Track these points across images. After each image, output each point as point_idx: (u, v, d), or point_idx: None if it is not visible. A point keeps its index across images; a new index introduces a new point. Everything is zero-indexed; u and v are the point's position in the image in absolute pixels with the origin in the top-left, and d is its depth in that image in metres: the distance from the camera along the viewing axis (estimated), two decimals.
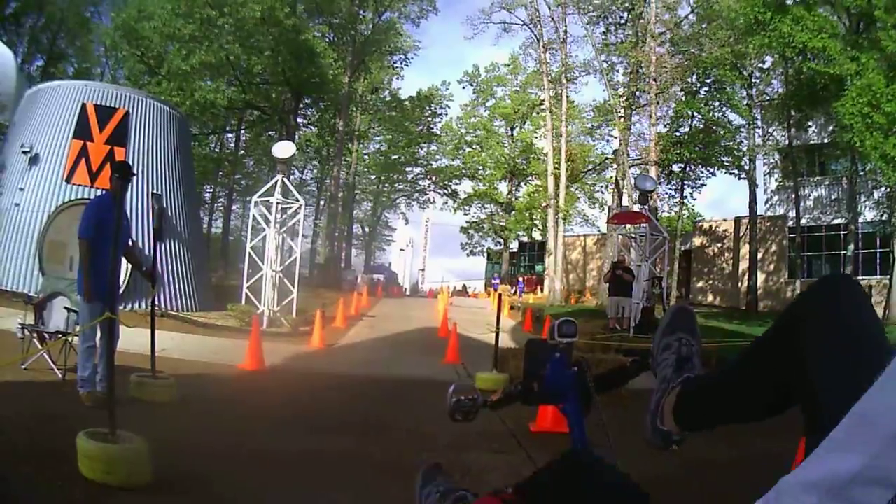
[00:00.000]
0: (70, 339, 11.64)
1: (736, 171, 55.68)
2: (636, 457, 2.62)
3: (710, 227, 62.70)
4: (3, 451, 7.35)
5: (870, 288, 31.86)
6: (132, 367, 11.89)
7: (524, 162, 78.82)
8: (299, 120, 62.94)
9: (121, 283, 21.94)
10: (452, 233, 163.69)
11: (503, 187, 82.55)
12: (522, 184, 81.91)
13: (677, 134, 57.10)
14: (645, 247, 30.38)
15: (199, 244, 32.27)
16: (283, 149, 29.39)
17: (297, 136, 57.97)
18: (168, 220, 25.89)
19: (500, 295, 22.20)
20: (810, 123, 47.00)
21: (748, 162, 54.12)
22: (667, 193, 60.47)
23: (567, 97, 60.09)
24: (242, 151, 71.77)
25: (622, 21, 55.53)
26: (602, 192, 74.31)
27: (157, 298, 24.37)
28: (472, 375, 16.79)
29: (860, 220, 44.77)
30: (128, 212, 24.70)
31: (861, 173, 42.90)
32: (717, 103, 53.88)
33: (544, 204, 63.45)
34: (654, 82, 50.76)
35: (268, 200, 28.30)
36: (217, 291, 31.97)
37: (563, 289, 59.17)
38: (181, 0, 45.63)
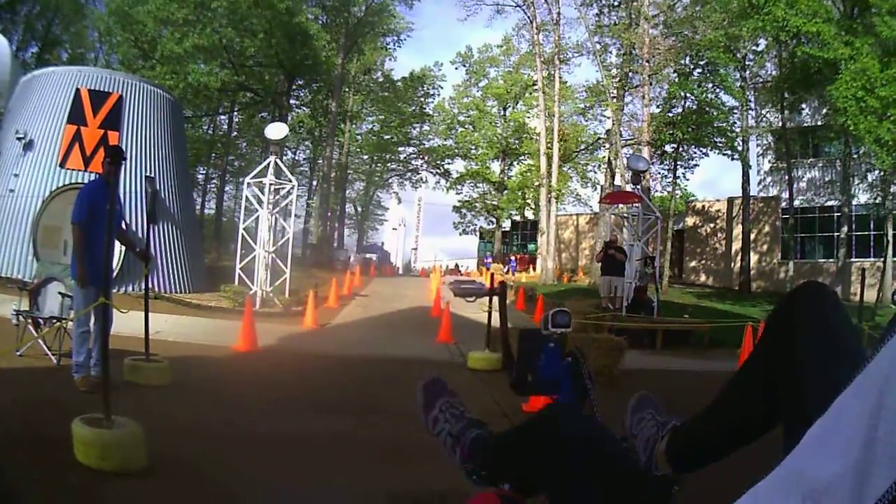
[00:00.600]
0: (65, 324, 11.66)
1: (729, 153, 55.58)
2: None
3: (703, 207, 62.75)
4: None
5: (863, 270, 32.04)
6: (126, 351, 11.85)
7: (516, 142, 78.79)
8: (292, 101, 62.97)
9: (114, 266, 22.12)
10: (445, 212, 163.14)
11: (495, 167, 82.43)
12: (515, 163, 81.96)
13: (670, 115, 56.56)
14: (637, 227, 30.31)
15: (192, 226, 32.37)
16: (276, 130, 29.44)
17: (289, 118, 58.14)
18: (161, 202, 25.96)
19: (492, 274, 22.23)
20: (804, 106, 47.00)
21: (741, 143, 53.87)
22: (659, 173, 60.39)
23: (560, 78, 59.96)
24: (235, 133, 71.59)
25: (615, 3, 55.51)
26: (594, 172, 74.20)
27: (150, 281, 24.49)
28: (465, 355, 16.89)
29: (853, 202, 44.77)
30: (121, 195, 24.95)
31: (854, 156, 42.93)
32: (711, 85, 53.46)
33: (537, 183, 63.38)
34: (647, 64, 50.67)
35: (260, 181, 28.35)
36: (210, 272, 32.00)
37: (556, 268, 59.19)
38: None
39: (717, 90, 52.97)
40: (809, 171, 52.92)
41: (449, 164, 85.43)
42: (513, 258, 72.54)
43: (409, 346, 19.93)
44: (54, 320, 12.02)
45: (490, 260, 72.79)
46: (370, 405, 11.54)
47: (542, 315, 2.58)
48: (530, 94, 74.45)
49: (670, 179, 58.84)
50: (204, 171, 72.49)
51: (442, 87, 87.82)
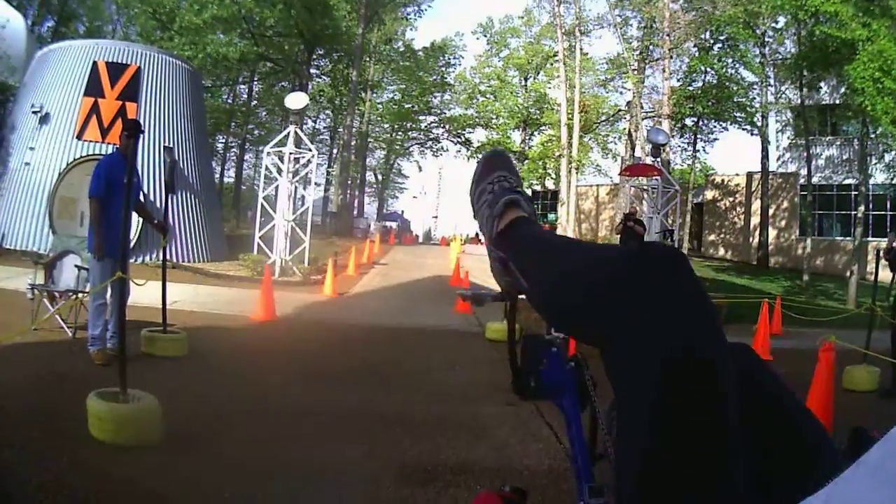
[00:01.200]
0: (81, 297, 11.69)
1: (748, 128, 55.76)
2: None
3: (723, 181, 62.49)
4: (12, 414, 7.38)
5: (878, 251, 32.20)
6: (143, 322, 11.96)
7: (537, 112, 77.94)
8: (312, 71, 63.36)
9: (131, 237, 22.22)
10: (466, 180, 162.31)
11: (516, 137, 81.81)
12: (536, 133, 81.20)
13: (690, 88, 57.10)
14: (657, 199, 30.41)
15: (211, 196, 32.46)
16: (296, 100, 29.42)
17: (309, 87, 58.35)
18: (180, 172, 26.32)
19: None
20: (822, 84, 46.72)
21: (761, 118, 54.28)
22: (679, 146, 60.40)
23: (581, 49, 59.99)
24: (255, 102, 71.67)
25: None
26: (615, 143, 73.93)
27: (168, 250, 24.65)
28: (483, 325, 16.91)
29: (871, 181, 44.58)
30: (140, 166, 25.14)
31: (872, 136, 42.71)
32: (730, 60, 54.02)
33: (557, 154, 63.37)
34: (667, 37, 50.76)
35: (280, 150, 28.41)
36: (229, 241, 32.24)
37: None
38: None
39: (737, 65, 53.42)
40: (827, 149, 52.74)
41: (470, 133, 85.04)
42: None
43: (428, 315, 20.08)
44: (70, 293, 12.07)
45: None
46: (387, 376, 11.63)
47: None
48: (551, 65, 74.02)
49: (690, 153, 58.92)
50: (224, 140, 72.59)
51: (463, 57, 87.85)
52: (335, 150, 74.38)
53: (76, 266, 12.17)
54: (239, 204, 67.44)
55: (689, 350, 1.33)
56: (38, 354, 10.32)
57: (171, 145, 25.20)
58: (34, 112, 25.92)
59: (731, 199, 61.51)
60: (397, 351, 14.33)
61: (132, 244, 23.39)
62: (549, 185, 77.68)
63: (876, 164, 44.71)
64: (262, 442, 7.49)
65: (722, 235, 61.85)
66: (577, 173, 59.39)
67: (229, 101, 67.56)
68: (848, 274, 39.36)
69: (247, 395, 9.43)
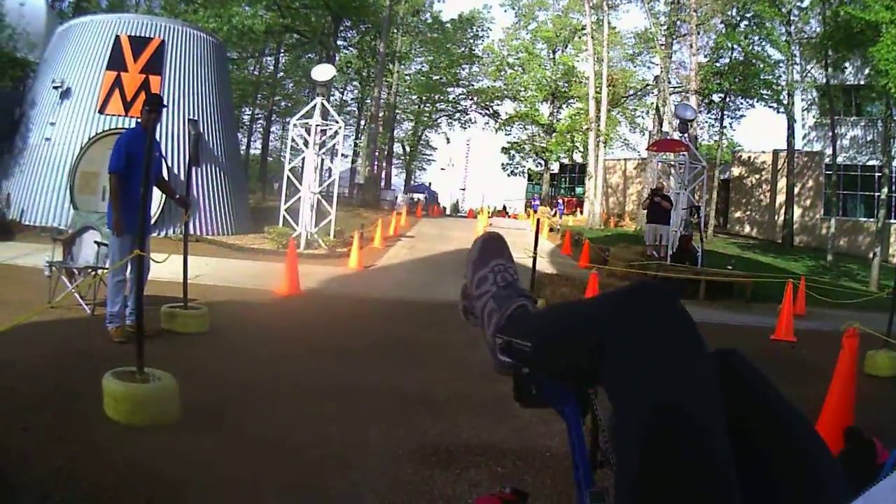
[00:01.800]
0: (100, 273, 11.62)
1: (775, 105, 55.72)
2: None
3: (749, 158, 62.57)
4: (26, 395, 7.24)
5: None
6: (165, 297, 11.86)
7: (565, 85, 78.59)
8: (339, 42, 63.21)
9: (154, 211, 22.23)
10: (493, 153, 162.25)
11: (544, 109, 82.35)
12: (564, 106, 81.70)
13: (717, 65, 57.49)
14: (684, 175, 30.19)
15: (236, 168, 32.62)
16: (323, 71, 29.38)
17: (336, 59, 58.22)
18: (205, 145, 26.60)
19: (538, 220, 22.01)
20: (847, 64, 46.44)
21: (787, 97, 54.04)
22: (707, 122, 60.31)
23: (609, 23, 60.01)
24: (282, 74, 71.78)
25: None
26: (643, 118, 74.70)
27: (193, 223, 24.80)
28: None
29: (894, 163, 44.23)
30: (164, 138, 25.25)
31: (886, 117, 42.41)
32: (757, 38, 53.94)
33: (585, 127, 63.50)
34: (694, 13, 50.65)
35: (307, 122, 28.35)
36: (255, 214, 32.31)
37: (603, 212, 59.49)
38: None
39: (764, 43, 53.52)
40: (852, 129, 52.71)
41: (498, 105, 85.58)
42: (560, 201, 71.71)
43: (453, 289, 19.20)
44: (90, 270, 12.00)
45: (538, 202, 72.79)
46: (410, 353, 11.50)
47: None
48: (579, 38, 74.22)
49: (717, 129, 58.90)
50: (250, 112, 72.98)
51: (491, 30, 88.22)
52: (363, 122, 74.95)
53: (96, 242, 12.07)
54: (265, 176, 67.63)
55: (674, 405, 1.39)
56: (54, 333, 10.20)
57: (196, 118, 25.67)
58: (55, 87, 26.05)
59: (757, 176, 61.65)
60: (421, 326, 14.18)
61: (154, 218, 23.50)
62: (577, 158, 78.40)
63: None
64: (282, 421, 7.36)
65: (748, 213, 62.01)
66: (604, 147, 59.54)
67: (255, 73, 67.81)
68: (871, 255, 39.23)
69: (268, 371, 9.32)
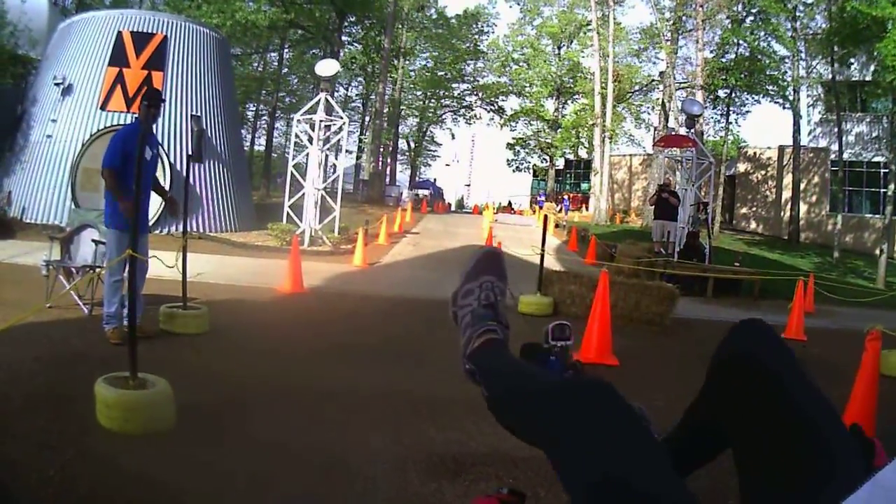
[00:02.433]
0: (98, 272, 11.32)
1: (780, 101, 56.21)
2: None
3: (755, 153, 62.44)
4: (18, 399, 7.00)
5: None
6: (165, 297, 11.62)
7: (571, 81, 78.44)
8: (343, 38, 63.26)
9: (156, 209, 22.15)
10: (498, 149, 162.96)
11: (550, 105, 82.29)
12: (569, 102, 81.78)
13: (723, 60, 57.52)
14: (691, 171, 30.03)
15: (240, 164, 32.54)
16: (326, 67, 29.33)
17: (341, 54, 58.33)
18: (207, 140, 26.64)
19: (545, 216, 21.84)
20: (852, 60, 46.39)
21: (793, 92, 54.10)
22: (712, 118, 60.34)
23: (614, 19, 59.91)
24: (286, 70, 71.82)
25: None
26: (648, 114, 74.78)
27: (195, 220, 24.76)
28: (516, 297, 16.46)
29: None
30: (167, 134, 25.22)
31: (892, 113, 42.32)
32: (763, 33, 53.92)
33: (591, 123, 63.65)
34: (700, 8, 50.77)
35: (310, 118, 28.22)
36: (259, 210, 32.31)
37: (609, 208, 59.54)
38: None
39: (769, 39, 53.67)
40: (857, 125, 52.79)
41: (503, 100, 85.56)
42: (566, 197, 72.89)
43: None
44: (88, 269, 11.75)
45: (543, 198, 73.14)
46: (415, 353, 11.20)
47: (543, 328, 2.40)
48: (584, 33, 74.25)
49: (723, 125, 59.13)
50: (254, 109, 72.81)
51: (496, 25, 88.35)
52: (367, 118, 74.52)
53: (93, 241, 11.85)
54: (269, 172, 67.47)
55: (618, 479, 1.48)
56: (50, 334, 9.98)
57: (199, 114, 25.84)
58: (56, 84, 26.02)
59: (762, 172, 61.52)
60: (427, 325, 13.85)
61: (156, 216, 23.43)
62: (583, 153, 78.71)
63: None
64: (282, 426, 7.07)
65: (753, 209, 61.87)
66: (610, 143, 59.48)
67: (259, 68, 67.77)
68: (878, 252, 39.12)
69: (269, 374, 9.01)
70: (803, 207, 54.37)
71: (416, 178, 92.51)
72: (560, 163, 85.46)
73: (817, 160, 55.92)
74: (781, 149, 59.01)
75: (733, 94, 60.13)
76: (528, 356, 2.41)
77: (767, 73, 54.83)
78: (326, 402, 8.00)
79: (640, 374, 10.89)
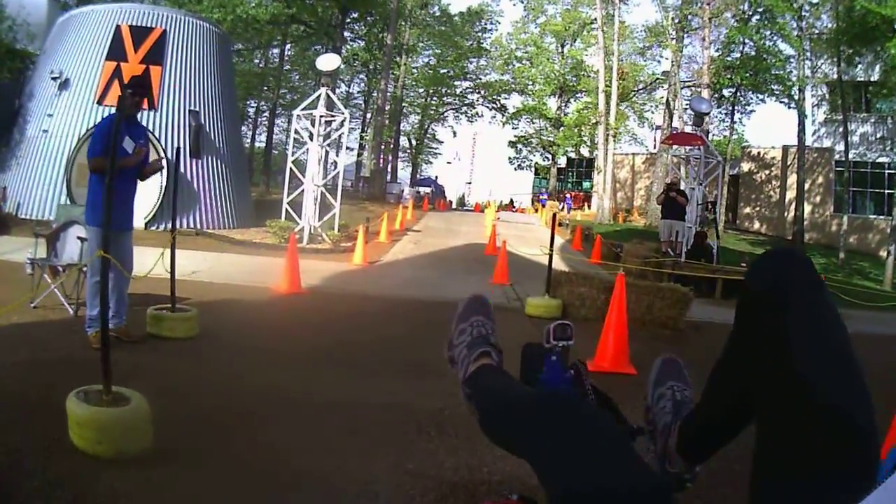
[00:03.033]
0: (84, 269, 10.74)
1: (786, 101, 56.40)
2: None
3: (759, 153, 62.66)
4: None
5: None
6: (157, 297, 11.04)
7: (574, 79, 79.05)
8: (346, 34, 63.51)
9: (153, 204, 21.80)
10: (500, 147, 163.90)
11: (552, 103, 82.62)
12: (572, 100, 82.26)
13: (728, 59, 57.95)
14: (699, 170, 29.54)
15: (239, 160, 32.39)
16: (328, 61, 29.02)
17: (343, 51, 58.76)
18: (206, 136, 26.56)
19: (554, 214, 21.42)
20: (859, 60, 46.12)
21: (798, 92, 53.95)
22: (716, 117, 60.35)
23: (619, 17, 59.99)
24: (288, 67, 71.88)
25: None
26: (652, 112, 75.16)
27: (194, 217, 24.51)
28: (522, 299, 16.32)
29: None
30: (166, 129, 25.01)
31: None
32: (768, 32, 53.83)
33: (594, 121, 64.00)
34: (706, 6, 50.82)
35: (311, 113, 27.75)
36: (258, 207, 32.11)
37: (612, 207, 59.26)
38: None
39: (775, 38, 53.64)
40: (862, 126, 52.72)
41: (505, 98, 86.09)
42: (568, 195, 73.29)
43: (463, 287, 18.41)
44: (74, 267, 11.14)
45: (545, 196, 73.51)
46: (419, 363, 10.33)
47: (544, 328, 2.41)
48: (588, 32, 74.98)
49: (727, 124, 59.26)
50: (255, 105, 72.91)
51: (499, 23, 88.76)
52: (369, 115, 74.91)
53: (79, 238, 11.32)
54: (269, 169, 67.44)
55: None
56: (32, 336, 9.45)
57: (198, 109, 26.03)
58: (53, 78, 25.83)
59: (766, 172, 61.77)
60: (429, 329, 12.97)
61: (152, 211, 23.16)
62: (585, 152, 79.54)
63: None
64: (272, 449, 6.34)
65: (757, 209, 62.12)
66: (614, 141, 59.14)
67: (261, 65, 67.79)
68: (885, 254, 38.96)
69: (258, 385, 8.36)
70: (807, 208, 54.26)
71: (418, 176, 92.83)
72: (562, 161, 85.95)
73: (821, 160, 55.88)
74: (785, 149, 59.17)
75: (738, 94, 60.41)
76: (529, 356, 2.44)
77: (773, 72, 54.82)
78: (322, 419, 7.40)
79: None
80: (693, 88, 57.56)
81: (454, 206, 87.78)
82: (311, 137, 27.62)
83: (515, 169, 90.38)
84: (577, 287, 15.95)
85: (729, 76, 56.73)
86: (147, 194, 23.18)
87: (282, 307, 14.74)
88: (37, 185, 25.30)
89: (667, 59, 60.78)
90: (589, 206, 68.90)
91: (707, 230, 28.23)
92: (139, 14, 27.44)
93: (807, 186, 54.22)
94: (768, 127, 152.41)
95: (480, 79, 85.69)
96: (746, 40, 54.97)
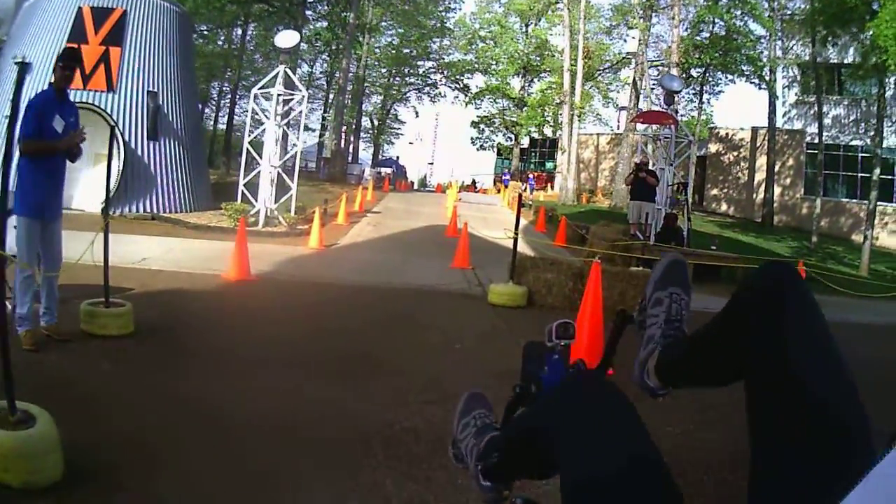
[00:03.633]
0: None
1: (756, 81, 57.25)
2: None
3: (727, 134, 62.62)
4: None
5: (884, 215, 32.05)
6: (98, 288, 9.99)
7: (538, 59, 79.16)
8: (309, 13, 63.21)
9: (112, 187, 21.36)
10: (462, 127, 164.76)
11: (516, 83, 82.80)
12: (535, 80, 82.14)
13: (698, 39, 58.12)
14: (669, 149, 29.13)
15: (197, 142, 31.97)
16: (287, 38, 28.65)
17: (305, 30, 58.65)
18: (164, 117, 26.14)
19: (519, 195, 20.67)
20: (834, 40, 45.96)
21: (769, 73, 54.26)
22: (684, 97, 60.13)
23: None
24: (252, 48, 71.46)
25: None
26: (618, 92, 75.24)
27: (149, 201, 23.99)
28: (484, 285, 15.87)
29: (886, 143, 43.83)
30: (124, 110, 24.81)
31: (887, 96, 41.79)
32: (739, 12, 53.95)
33: (557, 101, 64.74)
34: None
35: (268, 92, 27.26)
36: (217, 189, 31.75)
37: (576, 188, 59.09)
38: None
39: (746, 17, 53.89)
40: (835, 109, 52.50)
41: (468, 78, 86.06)
42: (531, 176, 73.30)
43: (423, 271, 18.73)
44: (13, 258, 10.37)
45: (508, 177, 73.24)
46: (371, 359, 9.82)
47: (546, 327, 2.35)
48: (553, 11, 74.39)
49: (696, 104, 59.41)
50: (218, 87, 72.75)
51: (463, 2, 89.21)
52: (331, 96, 74.20)
53: (14, 227, 10.54)
54: (230, 151, 66.83)
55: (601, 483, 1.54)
56: None
57: (156, 90, 25.82)
58: (16, 63, 25.18)
59: (735, 153, 61.72)
60: (385, 321, 12.66)
61: (112, 194, 22.89)
62: (548, 132, 79.96)
63: (891, 126, 44.43)
64: (194, 481, 5.60)
65: (725, 190, 62.16)
66: (578, 121, 59.02)
67: (225, 46, 67.35)
68: (861, 239, 38.88)
69: (188, 398, 7.45)
70: (777, 190, 54.16)
71: (380, 157, 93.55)
72: (525, 141, 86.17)
73: (792, 142, 55.77)
74: (755, 130, 59.15)
75: (707, 74, 60.82)
76: (531, 355, 2.42)
77: (743, 52, 55.29)
78: (257, 439, 6.58)
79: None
80: (661, 68, 57.65)
81: (416, 186, 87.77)
82: (268, 116, 27.04)
83: (478, 149, 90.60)
84: (543, 273, 15.36)
85: (698, 56, 56.76)
86: (103, 178, 22.61)
87: (227, 297, 14.00)
88: None
89: (633, 38, 60.52)
90: (552, 187, 68.80)
91: (677, 212, 27.78)
92: None
93: (776, 168, 54.22)
94: (737, 108, 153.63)
95: (443, 59, 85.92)
96: (716, 20, 54.84)
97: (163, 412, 6.91)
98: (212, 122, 71.50)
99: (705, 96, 63.20)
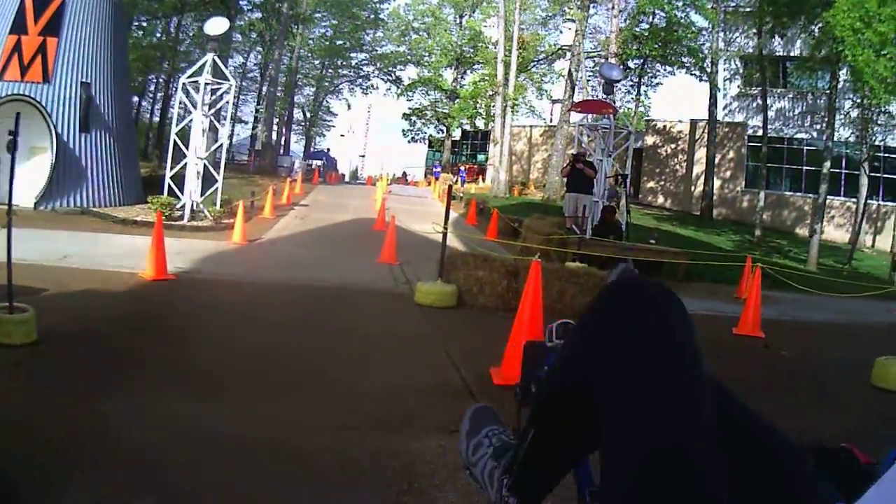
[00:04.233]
0: None
1: (697, 73, 57.23)
2: None
3: (665, 126, 62.70)
4: None
5: (830, 208, 32.12)
6: (25, 287, 9.90)
7: (471, 50, 79.84)
8: (243, 3, 62.83)
9: (44, 184, 20.96)
10: (394, 119, 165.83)
11: (448, 75, 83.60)
12: (468, 72, 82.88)
13: (637, 30, 58.47)
14: (608, 140, 28.56)
15: (128, 134, 31.34)
16: (215, 25, 28.44)
17: (239, 20, 59.93)
18: (96, 108, 25.67)
19: (449, 186, 20.00)
20: (783, 31, 45.98)
21: (710, 65, 54.10)
22: (621, 89, 60.29)
23: None
24: (189, 40, 70.34)
25: None
26: (552, 83, 75.70)
27: (79, 195, 23.54)
28: (411, 283, 15.52)
29: (824, 137, 43.96)
30: (56, 101, 24.72)
31: (831, 89, 41.96)
32: (681, 3, 53.80)
33: (491, 92, 65.49)
34: None
35: (196, 81, 26.81)
36: (149, 183, 30.74)
37: (508, 180, 59.18)
38: None
39: (688, 9, 53.83)
40: (779, 101, 52.66)
41: (401, 70, 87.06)
42: (462, 168, 73.89)
43: (347, 267, 18.36)
44: None
45: (439, 169, 74.57)
46: (287, 370, 9.20)
47: (545, 328, 2.27)
48: (487, 3, 75.38)
49: (633, 96, 59.66)
50: (155, 79, 71.97)
51: None
52: (264, 88, 74.00)
53: None
54: (162, 143, 66.37)
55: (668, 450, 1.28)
56: None
57: (89, 81, 25.49)
58: None
59: (672, 146, 61.86)
60: (304, 323, 12.04)
61: (43, 190, 23.50)
62: (480, 124, 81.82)
63: (841, 120, 44.34)
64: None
65: (662, 183, 62.42)
66: (511, 112, 59.48)
67: (162, 37, 66.21)
68: (805, 232, 39.22)
69: (84, 419, 6.56)
70: (716, 183, 54.15)
71: (312, 149, 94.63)
72: (457, 134, 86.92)
73: (733, 135, 55.89)
74: (693, 122, 59.31)
75: (645, 66, 61.36)
76: (530, 355, 2.28)
77: (684, 44, 55.52)
78: (154, 472, 5.67)
79: None
80: (597, 59, 58.07)
81: (347, 179, 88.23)
82: (195, 106, 26.55)
83: (409, 142, 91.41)
84: (474, 270, 14.80)
85: (636, 47, 57.03)
86: (36, 171, 23.21)
87: (141, 299, 13.06)
88: None
89: (569, 29, 60.49)
90: (483, 179, 69.50)
91: (615, 203, 27.46)
92: None
93: (717, 161, 54.09)
94: (675, 101, 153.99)
95: (377, 50, 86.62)
96: (656, 10, 54.90)
97: (51, 442, 5.98)
98: (148, 115, 71.55)
99: (643, 88, 63.64)
